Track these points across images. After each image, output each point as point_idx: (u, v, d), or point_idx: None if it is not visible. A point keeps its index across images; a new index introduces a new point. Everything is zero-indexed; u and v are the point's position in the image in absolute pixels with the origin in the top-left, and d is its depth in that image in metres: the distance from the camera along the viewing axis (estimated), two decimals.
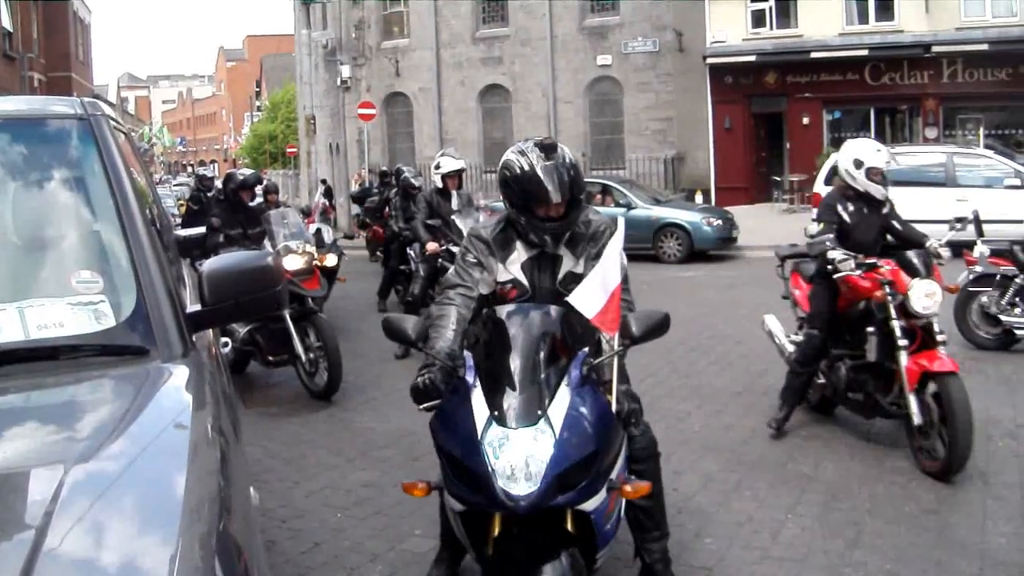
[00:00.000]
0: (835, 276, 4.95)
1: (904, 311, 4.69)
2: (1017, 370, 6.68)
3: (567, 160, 2.99)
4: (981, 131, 19.53)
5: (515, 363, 2.65)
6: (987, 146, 16.37)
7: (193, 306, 2.22)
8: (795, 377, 5.31)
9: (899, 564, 3.67)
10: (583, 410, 2.60)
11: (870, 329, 4.89)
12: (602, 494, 2.63)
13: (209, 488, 1.53)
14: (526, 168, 2.95)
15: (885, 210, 5.15)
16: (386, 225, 11.57)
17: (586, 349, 2.82)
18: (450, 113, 26.12)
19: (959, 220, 5.45)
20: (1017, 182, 13.32)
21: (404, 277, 9.94)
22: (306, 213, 12.16)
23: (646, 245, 14.64)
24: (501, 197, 3.14)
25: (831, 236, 4.97)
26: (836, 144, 19.79)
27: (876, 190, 5.06)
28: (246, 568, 1.49)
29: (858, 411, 5.21)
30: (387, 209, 11.71)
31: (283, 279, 2.23)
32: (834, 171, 5.90)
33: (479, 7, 25.60)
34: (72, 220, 2.25)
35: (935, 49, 19.13)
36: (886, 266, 4.82)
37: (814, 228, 5.11)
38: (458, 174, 8.25)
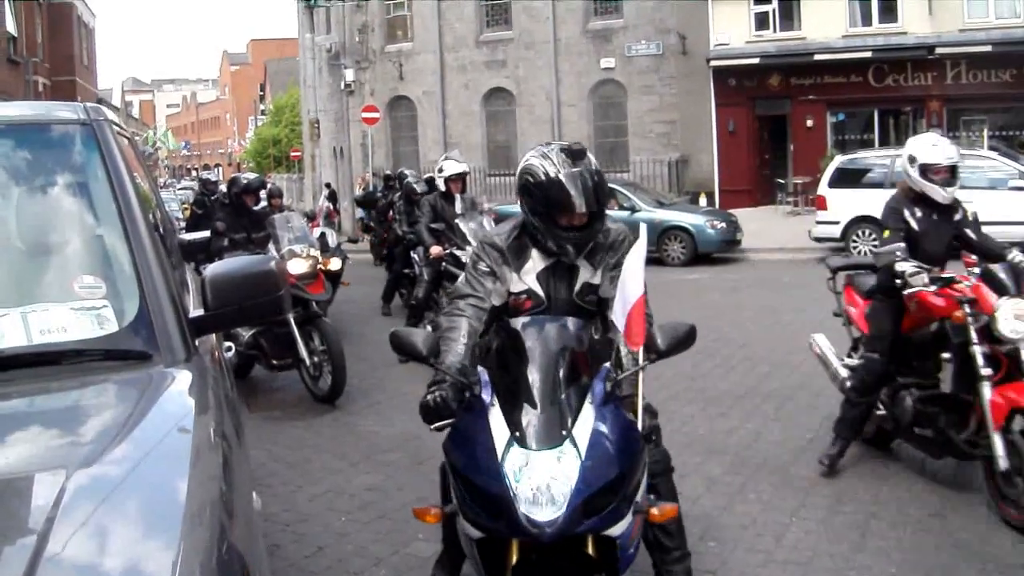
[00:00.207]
0: (905, 292, 4.28)
1: (988, 335, 3.98)
2: None
3: (593, 167, 2.85)
4: (985, 132, 19.48)
5: (534, 379, 2.49)
6: (991, 147, 16.31)
7: (196, 311, 2.22)
8: (851, 407, 4.64)
9: (904, 568, 3.65)
10: (608, 429, 2.45)
11: (945, 355, 4.21)
12: (628, 518, 2.46)
13: (211, 493, 1.53)
14: (550, 174, 2.80)
15: (957, 216, 4.47)
16: (390, 229, 11.59)
17: (608, 364, 2.68)
18: (454, 116, 26.11)
19: None
20: (1022, 183, 13.28)
21: (408, 281, 9.95)
22: (310, 217, 12.19)
23: (650, 248, 14.54)
24: (519, 203, 2.97)
25: (902, 245, 4.31)
26: (839, 146, 19.85)
27: (934, 191, 4.35)
28: (248, 573, 1.49)
29: (925, 449, 4.52)
30: (391, 213, 11.73)
31: (286, 284, 2.23)
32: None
33: (483, 10, 25.60)
34: (75, 225, 2.26)
35: (939, 51, 19.09)
36: (965, 282, 4.17)
37: (880, 238, 4.45)
38: (461, 177, 8.24)
